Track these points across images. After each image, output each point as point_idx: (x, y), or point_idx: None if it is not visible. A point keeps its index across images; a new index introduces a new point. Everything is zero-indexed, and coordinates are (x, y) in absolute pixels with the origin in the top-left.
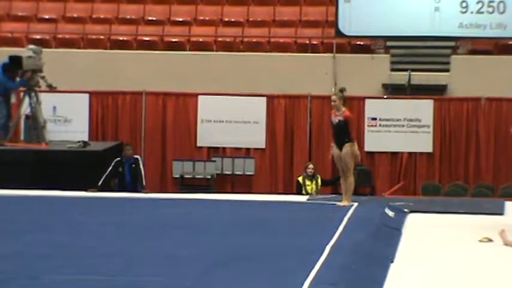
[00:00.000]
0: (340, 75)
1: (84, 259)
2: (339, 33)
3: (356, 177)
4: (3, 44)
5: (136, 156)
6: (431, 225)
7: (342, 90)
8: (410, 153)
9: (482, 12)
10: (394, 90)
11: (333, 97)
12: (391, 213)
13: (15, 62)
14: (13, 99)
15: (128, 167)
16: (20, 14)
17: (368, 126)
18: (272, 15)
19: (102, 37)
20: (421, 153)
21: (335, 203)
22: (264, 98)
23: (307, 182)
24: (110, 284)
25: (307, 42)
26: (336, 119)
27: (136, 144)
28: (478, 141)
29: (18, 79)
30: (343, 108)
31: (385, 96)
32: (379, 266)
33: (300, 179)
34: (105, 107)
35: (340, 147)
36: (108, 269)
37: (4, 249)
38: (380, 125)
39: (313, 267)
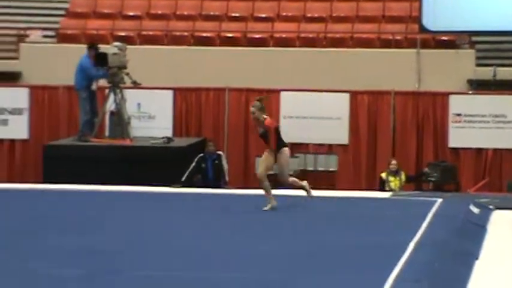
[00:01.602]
0: (424, 71)
1: (166, 255)
2: (423, 29)
3: (440, 174)
4: (89, 41)
5: (219, 152)
6: None
7: (260, 100)
8: (495, 150)
9: None
10: (479, 86)
11: (252, 109)
12: (476, 210)
13: (100, 58)
14: (94, 86)
15: (210, 163)
16: (105, 11)
17: (452, 122)
18: (355, 10)
19: (185, 34)
20: (507, 150)
21: (419, 198)
22: (347, 94)
23: (391, 178)
24: (190, 280)
25: (391, 37)
26: (260, 129)
27: (219, 140)
28: None
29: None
30: (263, 117)
31: (470, 92)
32: (463, 263)
33: (383, 175)
34: (188, 103)
35: (275, 153)
36: (188, 265)
37: (86, 245)
38: (464, 121)
39: (396, 264)
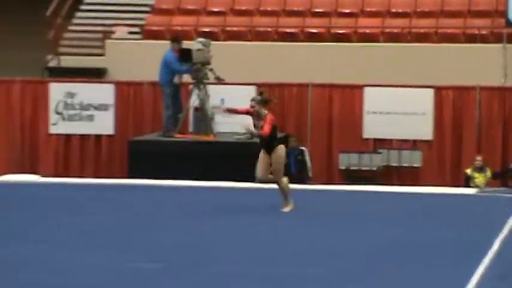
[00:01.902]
0: (510, 66)
1: (249, 250)
2: (510, 23)
3: None
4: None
5: (302, 147)
6: None
7: (261, 93)
8: None
9: None
10: None
11: (251, 103)
12: None
13: (185, 54)
14: (176, 79)
15: (293, 158)
16: (189, 7)
17: None
18: (440, 5)
19: (269, 29)
20: None
21: (505, 195)
22: (432, 90)
23: (476, 175)
24: (277, 275)
25: (476, 32)
26: (260, 123)
27: (302, 136)
28: None
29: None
30: (265, 112)
31: None
32: None
33: (468, 171)
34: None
35: (270, 152)
36: (273, 260)
37: (172, 240)
38: None
39: (482, 261)
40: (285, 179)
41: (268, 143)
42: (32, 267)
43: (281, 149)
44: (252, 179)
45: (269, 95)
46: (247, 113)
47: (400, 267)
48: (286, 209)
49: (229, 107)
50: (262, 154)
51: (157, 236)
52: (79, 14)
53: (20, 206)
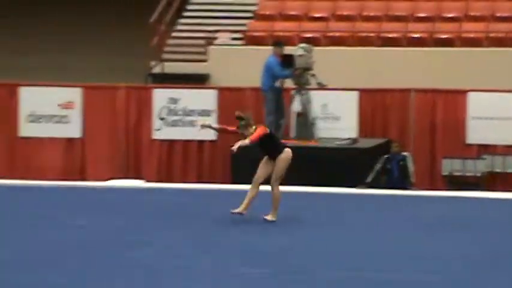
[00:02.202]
0: None
1: (354, 256)
2: None
3: None
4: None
5: (404, 153)
6: None
7: (240, 118)
8: None
9: None
10: None
11: (238, 131)
12: None
13: (287, 60)
14: (277, 84)
15: (395, 164)
16: (292, 13)
17: None
18: None
19: (371, 34)
20: None
21: None
22: None
23: None
24: (393, 281)
25: None
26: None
27: (404, 141)
28: None
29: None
30: (251, 130)
31: None
32: None
33: None
34: (373, 104)
35: (274, 159)
36: (386, 266)
37: (274, 244)
38: None
39: None
40: (279, 189)
41: (268, 151)
42: (138, 270)
43: (286, 152)
44: (353, 184)
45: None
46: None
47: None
48: (269, 218)
49: (206, 124)
50: (264, 159)
51: (259, 240)
52: (182, 21)
53: (125, 210)
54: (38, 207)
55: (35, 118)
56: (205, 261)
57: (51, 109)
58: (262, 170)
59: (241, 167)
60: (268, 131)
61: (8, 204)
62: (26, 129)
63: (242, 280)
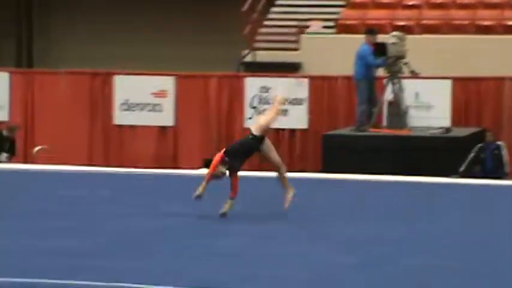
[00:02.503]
0: None
1: (439, 245)
2: None
3: None
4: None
5: (498, 142)
6: None
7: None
8: None
9: None
10: None
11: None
12: None
13: (379, 48)
14: (371, 73)
15: (489, 153)
16: (384, 1)
17: None
18: None
19: (466, 22)
20: None
21: None
22: None
23: None
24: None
25: None
26: None
27: (499, 130)
28: None
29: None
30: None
31: None
32: None
33: None
34: (467, 92)
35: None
36: (458, 255)
37: (363, 233)
38: None
39: None
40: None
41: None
42: (233, 258)
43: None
44: (446, 173)
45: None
46: None
47: None
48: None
49: None
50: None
51: (350, 229)
52: (274, 9)
53: (217, 198)
54: (132, 194)
55: (129, 106)
56: (297, 249)
57: (144, 97)
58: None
59: (332, 156)
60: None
61: (104, 192)
62: (120, 117)
63: (336, 269)
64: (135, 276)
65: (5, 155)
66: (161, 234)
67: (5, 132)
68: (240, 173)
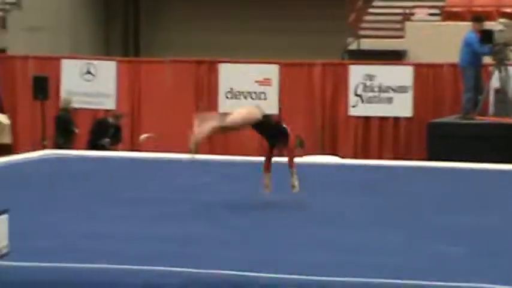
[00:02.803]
0: None
1: None
2: None
3: None
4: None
5: None
6: None
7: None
8: None
9: None
10: None
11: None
12: None
13: (486, 35)
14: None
15: None
16: None
17: None
18: None
19: None
20: None
21: None
22: None
23: None
24: None
25: None
26: None
27: None
28: None
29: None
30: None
31: None
32: None
33: None
34: None
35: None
36: None
37: (473, 223)
38: None
39: None
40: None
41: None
42: (329, 246)
43: None
44: None
45: None
46: None
47: None
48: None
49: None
50: None
51: (454, 219)
52: None
53: (320, 186)
54: (234, 182)
55: (233, 94)
56: (396, 237)
57: (248, 86)
58: None
59: (437, 144)
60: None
61: (206, 179)
62: (225, 105)
63: (435, 258)
64: (242, 264)
65: (107, 140)
66: (267, 222)
67: (110, 119)
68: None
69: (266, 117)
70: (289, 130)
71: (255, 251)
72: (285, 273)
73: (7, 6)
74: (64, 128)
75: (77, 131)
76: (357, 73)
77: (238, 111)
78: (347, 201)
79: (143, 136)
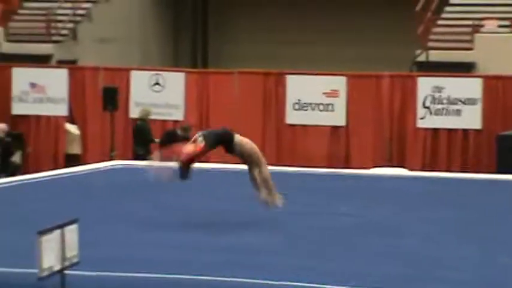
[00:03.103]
0: None
1: None
2: None
3: None
4: None
5: None
6: None
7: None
8: None
9: None
10: None
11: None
12: None
13: None
14: None
15: None
16: None
17: None
18: None
19: None
20: None
21: None
22: None
23: None
24: None
25: None
26: None
27: None
28: None
29: None
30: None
31: None
32: None
33: None
34: None
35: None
36: None
37: None
38: None
39: None
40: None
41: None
42: (399, 258)
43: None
44: None
45: None
46: None
47: None
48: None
49: None
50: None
51: None
52: (448, 8)
53: (388, 198)
54: (305, 193)
55: (301, 106)
56: (469, 251)
57: (316, 97)
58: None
59: (506, 156)
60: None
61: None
62: (292, 116)
63: (508, 271)
64: (311, 275)
65: None
66: (336, 233)
67: (179, 131)
68: None
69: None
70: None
71: (328, 262)
72: (359, 285)
73: (78, 18)
74: (142, 138)
75: (156, 140)
76: (425, 85)
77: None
78: (415, 214)
79: None
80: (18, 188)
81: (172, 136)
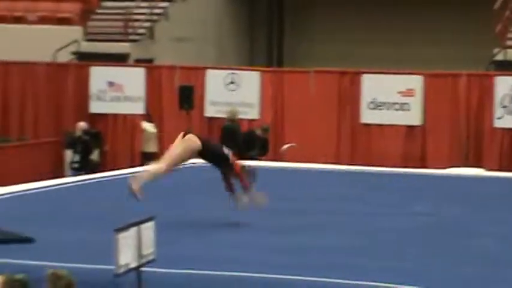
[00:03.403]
0: None
1: None
2: None
3: None
4: None
5: None
6: None
7: None
8: None
9: None
10: None
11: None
12: None
13: None
14: None
15: None
16: None
17: None
18: None
19: None
20: None
21: None
22: None
23: None
24: None
25: None
26: None
27: None
28: None
29: None
30: None
31: None
32: None
33: None
34: None
35: None
36: None
37: None
38: None
39: None
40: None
41: None
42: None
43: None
44: None
45: None
46: None
47: None
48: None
49: None
50: None
51: None
52: None
53: (464, 199)
54: (381, 193)
55: (376, 105)
56: None
57: (391, 97)
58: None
59: None
60: None
61: (352, 190)
62: (367, 116)
63: None
64: (387, 275)
65: (255, 152)
66: (404, 232)
67: (258, 132)
68: None
69: (207, 145)
70: (231, 156)
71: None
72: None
73: (155, 17)
74: (231, 139)
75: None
76: (503, 84)
77: (174, 145)
78: (491, 214)
79: (285, 146)
80: (97, 185)
81: (252, 137)
